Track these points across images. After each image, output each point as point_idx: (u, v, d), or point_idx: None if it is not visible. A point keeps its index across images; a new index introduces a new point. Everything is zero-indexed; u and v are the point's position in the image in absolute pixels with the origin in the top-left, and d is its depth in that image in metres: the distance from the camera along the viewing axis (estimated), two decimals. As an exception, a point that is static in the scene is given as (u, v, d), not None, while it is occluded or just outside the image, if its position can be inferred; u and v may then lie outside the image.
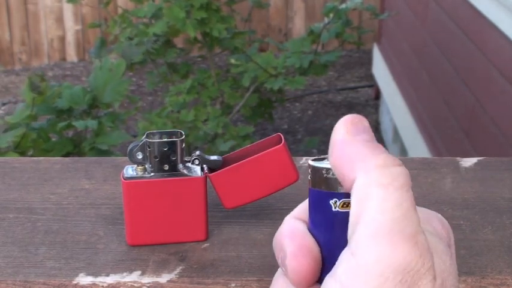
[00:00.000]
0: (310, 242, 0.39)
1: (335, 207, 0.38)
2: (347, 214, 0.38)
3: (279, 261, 0.39)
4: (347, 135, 0.37)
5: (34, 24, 4.76)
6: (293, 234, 0.39)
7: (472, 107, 2.40)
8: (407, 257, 0.34)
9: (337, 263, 0.36)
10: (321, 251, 0.39)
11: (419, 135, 2.96)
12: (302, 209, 0.41)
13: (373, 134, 0.38)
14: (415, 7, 3.27)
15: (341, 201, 0.38)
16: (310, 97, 4.34)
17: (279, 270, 0.40)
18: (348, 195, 0.38)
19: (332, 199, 0.38)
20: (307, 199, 0.40)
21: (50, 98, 2.25)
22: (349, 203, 0.38)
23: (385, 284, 0.34)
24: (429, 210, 0.40)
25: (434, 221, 0.39)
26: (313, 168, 0.39)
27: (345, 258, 0.36)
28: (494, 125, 2.21)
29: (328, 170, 0.39)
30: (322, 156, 0.40)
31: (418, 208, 0.39)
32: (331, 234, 0.38)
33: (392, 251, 0.34)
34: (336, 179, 0.38)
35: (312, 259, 0.38)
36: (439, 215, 0.40)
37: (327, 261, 0.38)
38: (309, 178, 0.40)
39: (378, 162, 0.36)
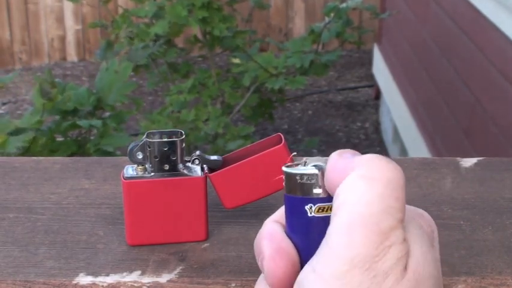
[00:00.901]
0: (287, 245, 0.39)
1: (310, 213, 0.39)
2: (323, 219, 0.38)
3: (259, 264, 0.40)
4: (337, 156, 0.38)
5: (34, 24, 4.76)
6: (271, 236, 0.40)
7: (472, 107, 2.40)
8: (377, 248, 0.35)
9: (316, 252, 0.37)
10: (299, 255, 0.39)
11: (419, 135, 2.96)
12: (281, 212, 0.42)
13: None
14: (416, 7, 3.27)
15: (316, 206, 0.39)
16: (310, 97, 4.34)
17: (262, 275, 0.40)
18: (323, 199, 0.38)
19: (307, 204, 0.39)
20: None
21: (60, 103, 2.25)
22: (324, 208, 0.38)
23: (354, 271, 0.35)
24: (411, 206, 0.41)
25: (414, 215, 0.40)
26: (287, 174, 0.39)
27: (320, 246, 0.37)
28: (494, 125, 2.21)
29: (302, 175, 0.39)
30: (296, 162, 0.40)
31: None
32: (308, 238, 0.39)
33: (362, 241, 0.35)
34: (310, 184, 0.38)
35: (289, 262, 0.39)
36: (420, 210, 0.41)
37: (304, 266, 0.38)
38: (284, 184, 0.40)
39: (365, 159, 0.37)
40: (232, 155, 0.60)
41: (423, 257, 0.36)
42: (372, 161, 0.36)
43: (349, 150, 0.39)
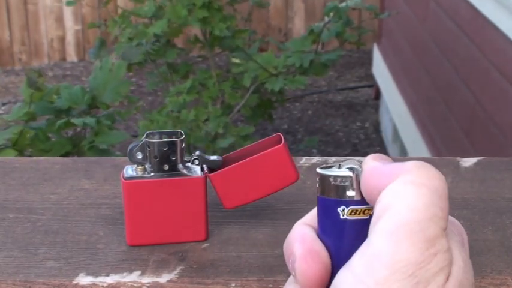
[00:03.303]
0: (319, 247, 0.39)
1: (343, 215, 0.39)
2: (355, 221, 0.38)
3: (289, 266, 0.40)
4: (377, 162, 0.38)
5: (34, 24, 4.76)
6: (303, 238, 0.40)
7: (472, 107, 2.40)
8: (422, 255, 0.34)
9: (353, 255, 0.36)
10: (331, 258, 0.39)
11: (419, 135, 2.96)
12: (312, 215, 0.42)
13: None
14: (415, 7, 3.27)
15: (349, 208, 0.39)
16: (310, 97, 4.34)
17: (290, 277, 0.40)
18: (356, 202, 0.38)
19: (340, 206, 0.39)
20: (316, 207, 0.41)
21: (49, 94, 2.24)
22: (357, 211, 0.38)
23: (395, 275, 0.34)
24: None
25: (449, 224, 0.39)
26: (321, 176, 0.39)
27: (361, 249, 0.36)
28: (494, 125, 2.21)
29: (336, 177, 0.39)
30: (330, 164, 0.40)
31: None
32: (340, 241, 0.39)
33: (408, 247, 0.34)
34: (344, 186, 0.38)
35: (321, 264, 0.38)
36: (451, 217, 0.40)
37: (336, 269, 0.38)
38: (317, 186, 0.40)
39: (416, 164, 0.36)
40: (232, 155, 0.60)
41: (464, 265, 0.36)
42: (420, 168, 0.36)
43: (385, 155, 0.39)
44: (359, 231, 0.38)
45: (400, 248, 0.34)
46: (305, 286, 0.39)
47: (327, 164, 0.40)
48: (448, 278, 0.35)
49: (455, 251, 0.36)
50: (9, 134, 2.08)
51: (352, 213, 0.38)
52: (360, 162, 0.39)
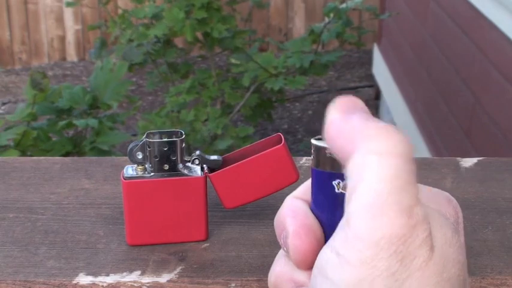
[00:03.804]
0: (312, 221, 0.38)
1: (338, 189, 0.37)
2: None
3: (281, 241, 0.39)
4: (342, 114, 0.36)
5: (34, 24, 4.76)
6: (295, 213, 0.39)
7: (472, 107, 2.40)
8: (402, 228, 0.33)
9: (334, 233, 0.36)
10: (324, 232, 0.38)
11: (419, 135, 2.96)
12: (304, 188, 0.41)
13: (369, 111, 0.36)
14: (415, 7, 3.27)
15: (345, 182, 0.37)
16: (310, 97, 4.34)
17: (281, 251, 0.40)
18: None
19: (335, 180, 0.37)
20: (310, 179, 0.40)
21: (52, 96, 2.25)
22: None
23: (380, 254, 0.33)
24: (435, 189, 0.40)
25: (439, 199, 0.39)
26: (316, 147, 0.38)
27: (340, 228, 0.35)
28: (494, 125, 2.21)
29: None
30: None
31: (423, 186, 0.39)
32: (334, 215, 0.38)
33: (386, 221, 0.33)
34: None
35: (314, 238, 0.38)
36: (446, 193, 0.40)
37: None
38: (312, 158, 0.38)
39: (376, 131, 0.35)
40: (232, 155, 0.60)
41: (448, 242, 0.35)
42: (383, 134, 0.34)
43: (351, 102, 0.36)
44: None
45: (379, 224, 0.33)
46: (298, 261, 0.38)
47: (322, 134, 0.38)
48: (431, 250, 0.34)
49: (433, 224, 0.35)
50: (12, 134, 2.09)
51: None
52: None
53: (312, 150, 0.38)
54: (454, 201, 0.39)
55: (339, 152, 0.36)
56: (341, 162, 0.36)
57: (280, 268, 0.39)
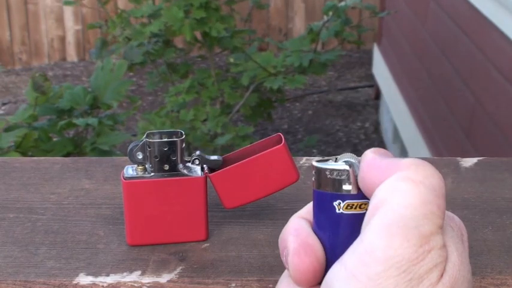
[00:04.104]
0: (313, 241, 0.39)
1: (339, 209, 0.38)
2: (351, 216, 0.38)
3: (283, 259, 0.39)
4: (376, 155, 0.38)
5: (34, 24, 4.76)
6: (297, 232, 0.39)
7: (472, 107, 2.40)
8: (416, 252, 0.34)
9: (347, 250, 0.36)
10: (325, 253, 0.39)
11: (419, 135, 2.96)
12: (308, 209, 0.41)
13: None
14: (416, 7, 3.27)
15: (345, 202, 0.38)
16: (310, 97, 4.34)
17: (285, 271, 0.40)
18: (352, 196, 0.38)
19: (336, 200, 0.38)
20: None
21: (53, 98, 2.25)
22: (354, 205, 0.38)
23: (388, 272, 0.34)
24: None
25: (447, 220, 0.39)
26: (317, 169, 0.39)
27: (354, 245, 0.36)
28: (494, 125, 2.21)
29: (332, 171, 0.38)
30: (326, 158, 0.39)
31: None
32: (335, 235, 0.38)
33: (402, 242, 0.34)
34: (340, 180, 0.38)
35: (315, 258, 0.38)
36: (450, 213, 0.40)
37: (330, 263, 0.38)
38: (313, 179, 0.39)
39: (412, 162, 0.36)
40: (232, 155, 0.60)
41: (459, 261, 0.36)
42: (418, 165, 0.36)
43: (385, 150, 0.38)
44: (355, 226, 0.37)
45: (394, 244, 0.34)
46: (298, 279, 0.38)
47: (323, 157, 0.40)
48: (442, 275, 0.35)
49: (450, 248, 0.36)
50: (13, 136, 2.08)
51: (349, 207, 0.38)
52: (357, 157, 0.39)
53: (313, 172, 0.39)
54: (457, 219, 0.40)
55: (369, 183, 0.37)
56: (367, 193, 0.37)
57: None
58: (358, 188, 0.38)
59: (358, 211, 0.38)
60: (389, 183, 0.35)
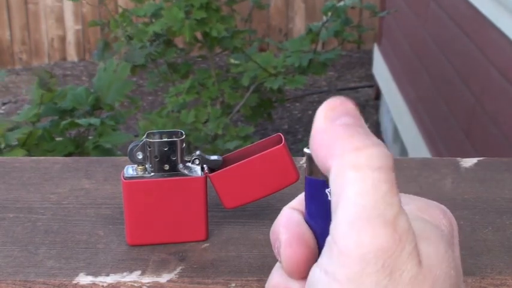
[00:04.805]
0: (305, 231, 0.38)
1: (331, 196, 0.38)
2: None
3: (275, 251, 0.39)
4: (325, 122, 0.36)
5: (34, 24, 4.76)
6: (288, 223, 0.39)
7: (472, 107, 2.40)
8: (388, 241, 0.33)
9: (322, 252, 0.36)
10: (317, 242, 0.38)
11: (419, 135, 2.96)
12: (300, 199, 0.41)
13: (358, 114, 0.36)
14: (416, 7, 3.27)
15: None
16: (310, 97, 4.34)
17: (277, 263, 0.40)
18: None
19: (328, 188, 0.37)
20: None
21: (59, 96, 2.25)
22: None
23: (367, 269, 0.33)
24: (430, 201, 0.39)
25: (433, 210, 0.38)
26: (308, 155, 0.38)
27: (327, 246, 0.35)
28: (494, 125, 2.21)
29: None
30: None
31: (418, 198, 0.39)
32: (327, 224, 0.38)
33: (372, 236, 0.33)
34: None
35: (307, 248, 0.38)
36: (442, 206, 0.39)
37: None
38: (305, 166, 0.39)
39: (354, 145, 0.34)
40: (232, 155, 0.60)
41: (441, 256, 0.35)
42: (358, 147, 0.34)
43: (338, 106, 0.36)
44: None
45: (364, 239, 0.33)
46: (290, 271, 0.38)
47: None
48: (421, 264, 0.34)
49: (422, 237, 0.35)
50: (19, 134, 2.09)
51: None
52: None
53: (305, 159, 0.39)
54: (449, 213, 0.39)
55: (320, 164, 0.36)
56: (323, 172, 0.36)
57: (276, 280, 0.39)
58: None
59: None
60: (337, 173, 0.34)
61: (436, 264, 0.35)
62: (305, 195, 0.40)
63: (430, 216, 0.38)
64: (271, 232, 0.40)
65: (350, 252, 0.33)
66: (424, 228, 0.36)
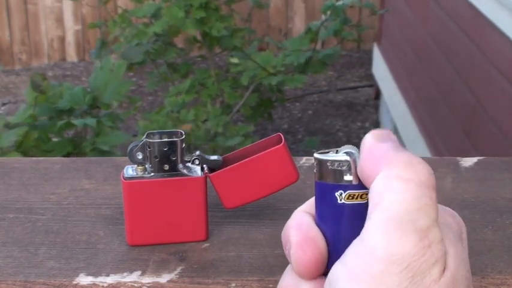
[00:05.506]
0: (315, 233, 0.39)
1: (340, 200, 0.39)
2: (353, 206, 0.38)
3: (286, 253, 0.40)
4: (375, 141, 0.38)
5: (34, 24, 4.76)
6: (299, 225, 0.40)
7: (472, 107, 2.40)
8: (415, 246, 0.34)
9: (347, 249, 0.36)
10: (328, 244, 0.39)
11: (419, 135, 2.96)
12: (310, 203, 0.42)
13: (399, 142, 0.38)
14: (415, 7, 3.27)
15: (347, 193, 0.39)
16: (310, 97, 4.34)
17: (289, 265, 0.40)
18: (354, 187, 0.38)
19: (337, 191, 0.39)
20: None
21: (53, 97, 2.25)
22: (355, 195, 0.38)
23: (391, 269, 0.34)
24: (440, 205, 0.40)
25: (444, 215, 0.39)
26: (319, 160, 0.39)
27: (354, 244, 0.36)
28: (494, 125, 2.21)
29: (333, 162, 0.39)
30: (327, 150, 0.40)
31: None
32: (337, 226, 0.39)
33: (400, 239, 0.34)
34: (341, 170, 0.38)
35: (317, 250, 0.38)
36: (450, 209, 0.40)
37: (333, 255, 0.38)
38: (315, 171, 0.40)
39: (401, 159, 0.36)
40: (232, 155, 0.60)
41: (459, 259, 0.36)
42: (406, 164, 0.36)
43: (384, 131, 0.39)
44: (356, 216, 0.38)
45: (392, 241, 0.34)
46: (301, 272, 0.39)
47: (324, 149, 0.40)
48: (443, 271, 0.35)
49: (447, 242, 0.36)
50: (14, 135, 2.08)
51: (350, 197, 0.38)
52: (357, 148, 0.39)
53: (315, 164, 0.40)
54: (458, 216, 0.40)
55: (366, 174, 0.38)
56: (366, 184, 0.38)
57: (287, 281, 0.40)
58: (359, 179, 0.38)
59: (359, 201, 0.38)
60: (382, 181, 0.36)
61: (457, 269, 0.36)
62: (315, 199, 0.40)
63: (442, 219, 0.38)
64: (282, 235, 0.41)
65: (376, 251, 0.34)
66: (447, 233, 0.37)
